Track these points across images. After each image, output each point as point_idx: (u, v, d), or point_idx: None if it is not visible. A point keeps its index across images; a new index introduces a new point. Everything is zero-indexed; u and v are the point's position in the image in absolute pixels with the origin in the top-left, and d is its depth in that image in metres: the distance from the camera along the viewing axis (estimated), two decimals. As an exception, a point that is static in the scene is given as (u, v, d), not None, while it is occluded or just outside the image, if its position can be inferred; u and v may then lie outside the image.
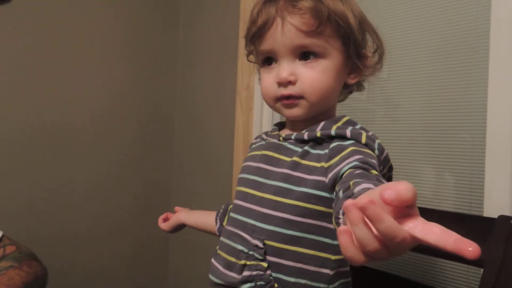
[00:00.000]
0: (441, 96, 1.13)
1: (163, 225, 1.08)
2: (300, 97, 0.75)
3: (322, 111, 0.79)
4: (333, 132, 0.73)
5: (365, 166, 0.63)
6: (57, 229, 1.68)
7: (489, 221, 0.75)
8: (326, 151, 0.72)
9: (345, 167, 0.64)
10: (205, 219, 1.06)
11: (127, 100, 1.88)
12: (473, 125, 1.06)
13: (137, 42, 1.90)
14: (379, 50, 0.81)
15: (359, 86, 0.86)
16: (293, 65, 0.75)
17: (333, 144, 0.72)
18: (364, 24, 0.79)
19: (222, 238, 0.83)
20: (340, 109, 0.86)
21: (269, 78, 0.78)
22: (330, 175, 0.68)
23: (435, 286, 1.04)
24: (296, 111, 0.77)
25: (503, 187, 0.96)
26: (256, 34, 0.77)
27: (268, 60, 0.78)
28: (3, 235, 1.13)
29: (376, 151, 0.70)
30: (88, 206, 1.77)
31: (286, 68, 0.75)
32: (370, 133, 0.73)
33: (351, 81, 0.81)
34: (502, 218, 0.72)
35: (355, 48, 0.77)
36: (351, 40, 0.76)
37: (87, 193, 1.77)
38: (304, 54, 0.75)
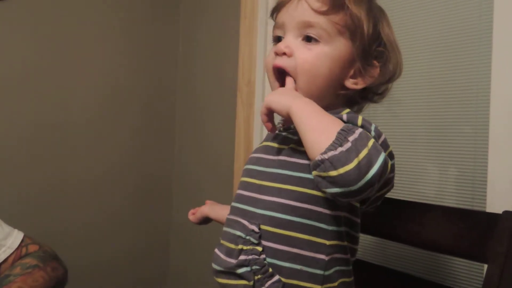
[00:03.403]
0: (443, 90, 1.12)
1: (191, 217, 1.09)
2: (289, 74, 0.77)
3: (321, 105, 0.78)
4: None
5: None
6: (58, 224, 1.68)
7: (493, 217, 0.74)
8: None
9: None
10: (226, 213, 1.06)
11: (128, 95, 1.87)
12: (475, 119, 1.06)
13: (138, 36, 1.89)
14: (392, 72, 0.80)
15: (362, 98, 0.83)
16: (295, 41, 0.77)
17: None
18: (382, 34, 0.79)
19: (224, 228, 0.83)
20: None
21: (272, 52, 0.80)
22: None
23: (437, 281, 1.04)
24: None
25: (506, 182, 0.95)
26: (276, 7, 0.82)
27: (278, 39, 0.81)
28: (24, 235, 1.15)
29: (373, 133, 0.70)
30: (89, 201, 1.77)
31: (286, 41, 0.78)
32: (374, 126, 0.73)
33: (351, 85, 0.79)
34: (507, 213, 0.72)
35: (362, 49, 0.77)
36: (358, 38, 0.76)
37: (88, 188, 1.77)
38: (308, 38, 0.77)
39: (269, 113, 0.75)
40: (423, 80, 1.16)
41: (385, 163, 0.62)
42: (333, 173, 0.62)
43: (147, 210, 1.93)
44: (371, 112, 1.27)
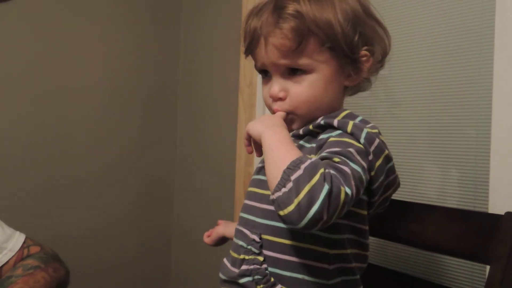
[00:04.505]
0: (444, 91, 1.12)
1: (207, 240, 1.08)
2: (289, 112, 0.77)
3: (322, 115, 0.78)
4: (322, 122, 0.74)
5: (329, 156, 0.65)
6: (59, 225, 1.68)
7: (495, 218, 0.74)
8: (313, 145, 0.74)
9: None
10: None
11: (130, 96, 1.87)
12: (477, 120, 1.06)
13: (140, 38, 1.89)
14: (382, 50, 0.80)
15: (365, 85, 0.85)
16: (283, 80, 0.77)
17: (320, 137, 0.74)
18: (358, 22, 0.76)
19: (233, 238, 0.84)
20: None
21: (265, 91, 0.81)
22: None
23: (438, 283, 1.03)
24: (293, 127, 0.80)
25: (508, 183, 0.95)
26: (247, 51, 0.81)
27: (264, 71, 0.81)
28: (25, 237, 1.15)
29: (362, 140, 0.69)
30: (90, 202, 1.77)
31: (276, 83, 0.77)
32: (369, 125, 0.73)
33: (351, 83, 0.80)
34: (509, 214, 0.72)
35: (344, 55, 0.76)
36: (338, 49, 0.75)
37: (89, 189, 1.77)
38: (292, 70, 0.76)
39: (250, 137, 0.76)
40: (424, 80, 1.16)
41: (329, 197, 0.60)
42: (281, 213, 0.62)
43: (149, 211, 1.93)
44: (372, 113, 1.27)
